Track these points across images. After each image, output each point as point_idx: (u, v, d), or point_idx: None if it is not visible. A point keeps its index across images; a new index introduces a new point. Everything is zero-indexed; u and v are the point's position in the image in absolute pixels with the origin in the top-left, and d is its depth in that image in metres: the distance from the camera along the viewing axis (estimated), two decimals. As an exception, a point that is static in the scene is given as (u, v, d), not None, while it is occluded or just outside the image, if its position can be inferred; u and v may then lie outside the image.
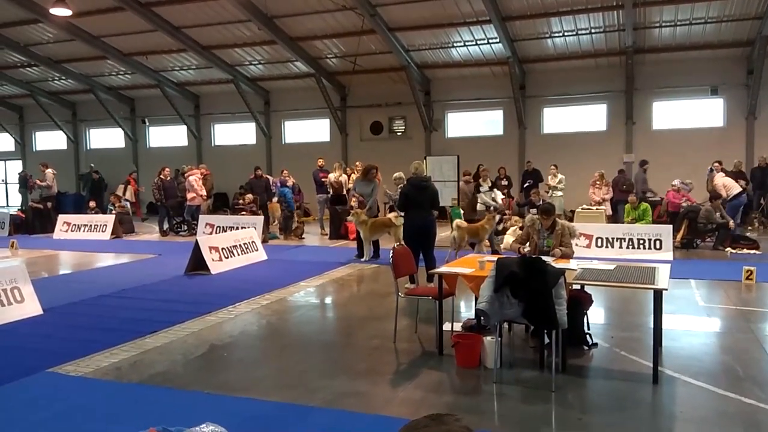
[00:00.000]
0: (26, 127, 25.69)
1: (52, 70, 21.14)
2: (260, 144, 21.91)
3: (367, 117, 20.40)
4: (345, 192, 14.42)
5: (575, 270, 5.32)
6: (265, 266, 10.80)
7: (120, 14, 16.49)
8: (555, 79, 18.12)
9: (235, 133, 22.63)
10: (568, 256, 6.03)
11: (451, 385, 4.88)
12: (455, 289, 5.86)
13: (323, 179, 15.15)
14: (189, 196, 15.35)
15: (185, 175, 15.75)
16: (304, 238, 14.65)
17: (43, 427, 4.05)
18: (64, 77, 21.75)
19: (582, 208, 14.36)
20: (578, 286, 5.49)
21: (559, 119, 18.63)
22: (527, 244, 6.34)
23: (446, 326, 5.74)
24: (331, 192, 14.73)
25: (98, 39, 18.51)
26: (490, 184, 12.04)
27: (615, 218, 14.21)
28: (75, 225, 15.80)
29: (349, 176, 15.24)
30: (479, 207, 12.35)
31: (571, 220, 13.64)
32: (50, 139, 25.29)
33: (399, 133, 20.22)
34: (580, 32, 16.18)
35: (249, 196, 16.98)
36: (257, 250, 11.45)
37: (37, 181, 17.75)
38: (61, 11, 14.87)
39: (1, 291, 6.90)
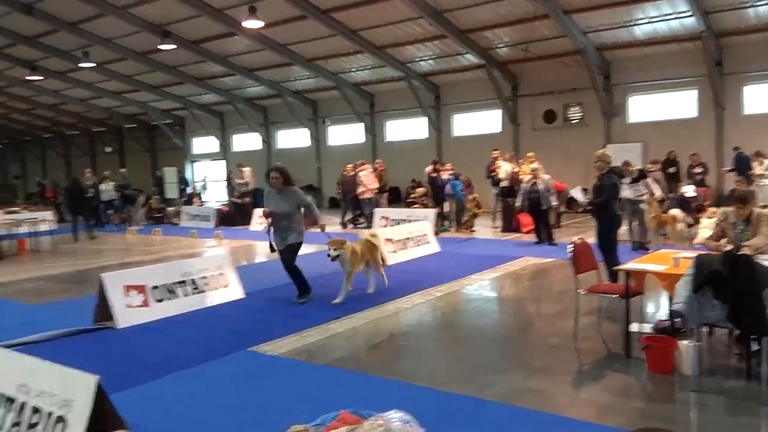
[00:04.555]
0: (226, 130, 28.82)
1: (247, 78, 23.42)
2: (431, 138, 22.25)
3: (539, 105, 19.71)
4: (517, 185, 14.08)
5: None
6: (438, 258, 10.95)
7: (303, 22, 17.74)
8: (759, 53, 15.91)
9: (406, 129, 23.24)
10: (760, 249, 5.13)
11: (642, 390, 4.54)
12: (643, 287, 5.44)
13: (492, 171, 14.97)
14: (359, 190, 16.07)
15: (357, 170, 16.50)
16: (475, 230, 14.60)
17: (243, 401, 4.52)
18: (256, 84, 24.00)
19: (796, 199, 12.51)
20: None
21: (767, 98, 16.34)
22: (722, 240, 5.61)
23: (633, 327, 5.36)
24: (503, 184, 14.47)
25: (285, 47, 20.11)
26: (635, 176, 10.84)
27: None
28: (268, 217, 17.35)
29: (520, 167, 14.85)
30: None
31: (781, 212, 11.92)
32: (246, 141, 28.08)
33: (574, 121, 19.24)
34: (791, -3, 14.06)
35: (420, 189, 17.35)
36: (430, 242, 11.66)
37: (236, 180, 19.81)
38: (253, 23, 16.43)
39: (210, 276, 7.82)
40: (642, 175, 11.00)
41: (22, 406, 3.53)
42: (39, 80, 24.78)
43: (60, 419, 3.32)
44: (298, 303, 7.53)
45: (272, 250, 7.63)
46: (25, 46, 21.41)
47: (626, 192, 10.54)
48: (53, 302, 8.39)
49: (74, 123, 33.70)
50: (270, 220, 7.53)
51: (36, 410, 3.45)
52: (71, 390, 3.34)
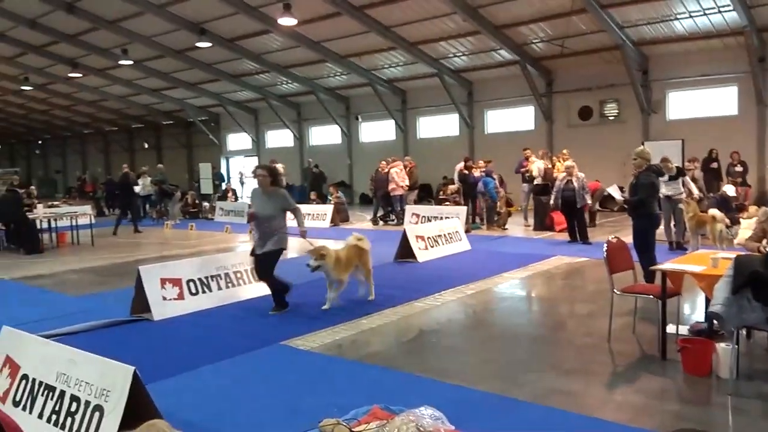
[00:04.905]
0: (260, 127, 29.15)
1: (281, 75, 23.64)
2: (463, 135, 22.11)
3: (575, 102, 19.39)
4: (550, 182, 13.89)
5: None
6: (469, 256, 10.89)
7: (337, 19, 17.81)
8: (807, 47, 15.38)
9: (438, 126, 23.14)
10: None
11: (677, 393, 4.44)
12: (681, 288, 5.31)
13: (523, 168, 14.83)
14: (390, 187, 16.09)
15: (388, 167, 16.51)
16: (507, 228, 14.47)
17: (275, 393, 4.57)
18: (290, 81, 24.20)
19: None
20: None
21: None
22: (763, 241, 5.45)
23: (670, 328, 5.24)
24: (537, 181, 14.30)
25: (318, 44, 20.21)
26: (674, 173, 10.52)
27: None
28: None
29: (554, 165, 14.66)
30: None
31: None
32: (279, 137, 28.38)
33: (611, 118, 18.88)
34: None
35: (452, 187, 17.26)
36: (461, 240, 11.61)
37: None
38: (287, 21, 16.57)
39: (243, 271, 7.93)
40: (680, 173, 10.71)
41: (62, 394, 3.64)
42: (80, 77, 25.47)
43: (97, 408, 3.41)
44: (271, 313, 6.95)
45: (253, 254, 7.09)
46: (66, 44, 22.00)
47: (664, 190, 10.29)
48: (92, 294, 8.62)
49: (113, 119, 34.53)
50: (253, 222, 7.01)
51: (74, 398, 3.56)
52: (109, 380, 3.44)
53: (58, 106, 32.46)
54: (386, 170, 16.44)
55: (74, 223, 14.58)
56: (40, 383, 3.82)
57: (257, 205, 6.97)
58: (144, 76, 25.12)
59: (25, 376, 3.97)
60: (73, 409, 3.54)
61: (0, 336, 4.43)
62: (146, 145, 34.86)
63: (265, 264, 6.94)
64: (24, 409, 3.83)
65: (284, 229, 7.01)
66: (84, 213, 16.18)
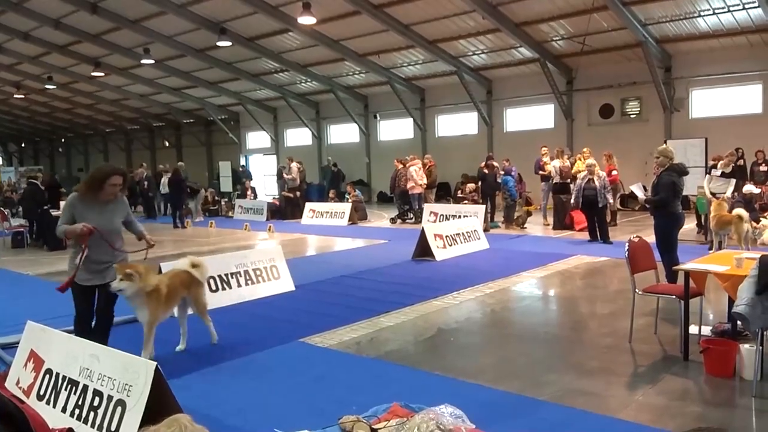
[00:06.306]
0: (279, 125, 29.30)
1: (300, 74, 23.72)
2: (482, 133, 22.00)
3: (596, 100, 19.20)
4: (570, 180, 13.76)
5: None
6: (488, 255, 10.84)
7: (356, 18, 17.82)
8: (836, 43, 15.05)
9: (457, 124, 23.06)
10: None
11: (700, 394, 4.37)
12: (704, 288, 5.23)
13: (542, 167, 14.73)
14: (408, 185, 16.07)
15: (406, 165, 16.50)
16: (526, 227, 14.38)
17: (296, 391, 4.59)
18: (309, 80, 24.28)
19: None
20: None
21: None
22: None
23: (692, 329, 5.17)
24: (556, 180, 14.17)
25: (338, 43, 20.25)
26: (728, 171, 10.15)
27: None
28: (318, 212, 17.69)
29: (573, 163, 14.51)
30: (707, 195, 10.45)
31: None
32: (298, 136, 28.49)
33: (633, 116, 18.67)
34: None
35: (471, 185, 17.20)
36: (479, 238, 11.56)
37: (286, 175, 20.16)
38: (307, 20, 16.62)
39: (263, 268, 7.97)
40: (732, 173, 10.39)
41: (85, 388, 3.69)
42: (102, 76, 25.79)
43: (120, 402, 3.45)
44: None
45: (67, 286, 4.98)
46: (89, 44, 22.29)
47: (711, 186, 10.09)
48: (114, 290, 8.70)
49: (135, 118, 34.93)
50: (85, 242, 4.87)
51: (97, 393, 3.60)
52: (131, 375, 3.47)
53: (81, 104, 32.92)
54: (399, 168, 16.48)
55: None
56: (64, 377, 3.88)
57: (97, 217, 4.92)
58: (165, 75, 25.38)
59: (48, 371, 4.03)
60: (95, 403, 3.58)
61: (25, 331, 4.51)
62: (167, 144, 35.23)
63: (113, 300, 5.23)
64: (48, 402, 3.90)
65: (123, 247, 5.27)
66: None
